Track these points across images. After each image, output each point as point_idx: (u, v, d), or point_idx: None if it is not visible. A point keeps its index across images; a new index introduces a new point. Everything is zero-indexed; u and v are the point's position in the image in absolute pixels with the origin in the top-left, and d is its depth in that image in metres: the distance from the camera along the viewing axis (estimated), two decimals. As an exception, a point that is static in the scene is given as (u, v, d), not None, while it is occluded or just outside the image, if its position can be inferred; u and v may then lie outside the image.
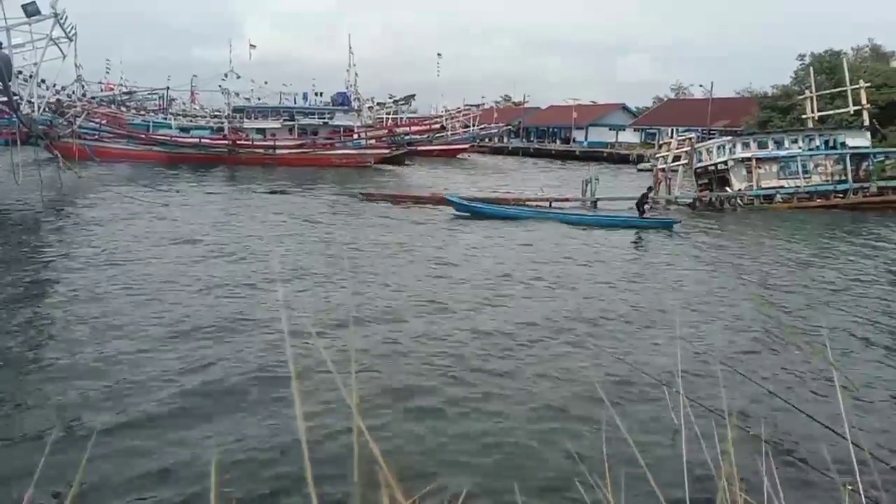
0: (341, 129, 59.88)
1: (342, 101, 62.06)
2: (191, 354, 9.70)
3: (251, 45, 66.40)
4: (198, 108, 71.78)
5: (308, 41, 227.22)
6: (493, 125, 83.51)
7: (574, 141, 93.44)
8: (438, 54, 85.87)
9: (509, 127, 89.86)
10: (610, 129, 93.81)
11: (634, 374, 9.12)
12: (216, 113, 65.22)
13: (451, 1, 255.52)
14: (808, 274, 18.13)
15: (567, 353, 10.57)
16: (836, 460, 4.37)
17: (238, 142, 56.69)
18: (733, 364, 9.76)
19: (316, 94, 64.19)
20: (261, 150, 56.34)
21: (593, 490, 2.01)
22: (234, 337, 10.56)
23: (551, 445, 7.22)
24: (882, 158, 36.12)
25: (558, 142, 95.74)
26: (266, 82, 64.68)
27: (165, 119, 59.95)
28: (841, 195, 34.03)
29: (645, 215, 26.69)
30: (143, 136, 55.37)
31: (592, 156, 75.82)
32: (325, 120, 60.35)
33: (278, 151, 56.16)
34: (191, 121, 62.11)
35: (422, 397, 8.61)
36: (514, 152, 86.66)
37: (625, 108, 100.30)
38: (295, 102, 63.59)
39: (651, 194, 29.17)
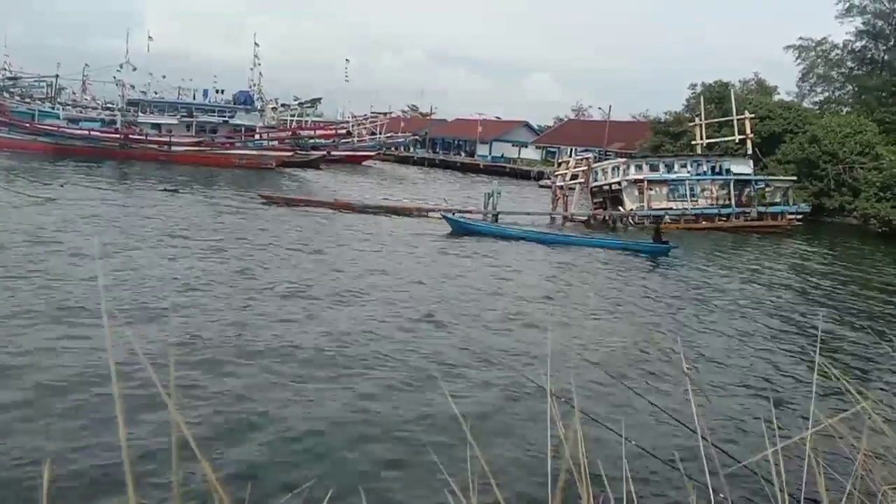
0: (242, 129, 58.22)
1: (244, 101, 60.35)
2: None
3: (150, 36, 63.57)
4: (89, 98, 67.94)
5: (212, 37, 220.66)
6: (399, 134, 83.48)
7: (478, 155, 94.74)
8: (347, 60, 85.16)
9: (416, 137, 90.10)
10: (513, 145, 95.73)
11: (524, 384, 9.26)
12: (109, 105, 62.05)
13: (361, 9, 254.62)
14: (686, 290, 19.03)
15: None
16: (688, 457, 4.64)
17: (131, 136, 54.23)
18: (610, 371, 10.08)
19: (217, 92, 62.03)
20: (155, 146, 53.99)
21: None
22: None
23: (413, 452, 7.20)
24: (763, 185, 38.56)
25: (463, 154, 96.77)
26: (164, 76, 61.99)
27: (53, 108, 56.59)
28: (725, 218, 36.07)
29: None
30: (27, 125, 52.26)
31: (495, 170, 77.09)
32: (226, 118, 58.56)
33: (174, 148, 53.97)
34: (81, 112, 58.90)
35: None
36: (419, 162, 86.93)
37: (528, 126, 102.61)
38: (194, 98, 61.23)
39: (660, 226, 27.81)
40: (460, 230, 26.87)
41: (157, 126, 56.32)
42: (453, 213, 29.48)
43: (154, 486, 5.76)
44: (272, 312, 12.64)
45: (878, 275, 25.80)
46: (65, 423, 7.35)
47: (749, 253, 28.48)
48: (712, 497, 1.90)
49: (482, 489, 1.81)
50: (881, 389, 10.34)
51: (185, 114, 58.12)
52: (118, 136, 53.97)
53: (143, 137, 54.46)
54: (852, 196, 44.46)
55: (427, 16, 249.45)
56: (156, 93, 61.11)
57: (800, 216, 38.32)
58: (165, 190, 32.70)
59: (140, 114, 57.38)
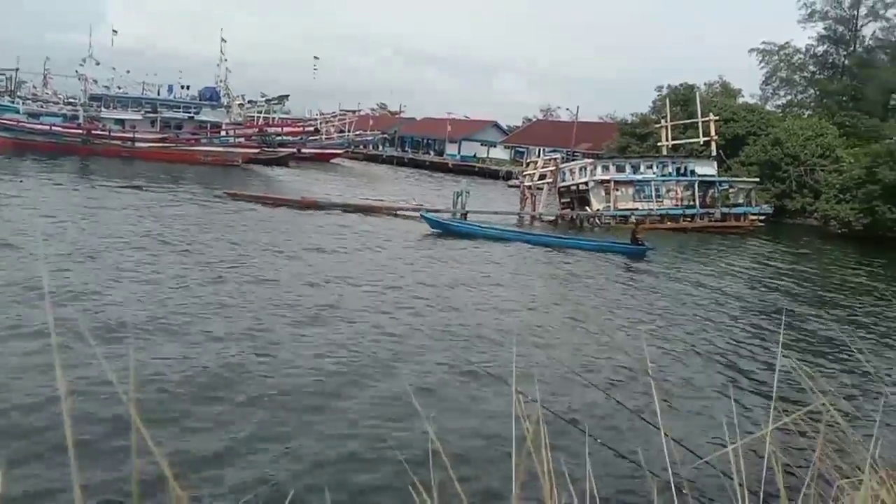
0: (208, 125, 57.47)
1: (210, 97, 59.54)
2: None
3: (113, 31, 62.45)
4: (51, 93, 66.54)
5: (178, 32, 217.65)
6: (368, 132, 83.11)
7: (447, 154, 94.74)
8: (316, 57, 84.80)
9: (385, 135, 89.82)
10: (482, 145, 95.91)
11: (490, 383, 9.27)
12: (71, 100, 60.88)
13: (331, 6, 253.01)
14: (647, 288, 19.24)
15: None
16: (652, 454, 4.70)
17: (93, 132, 53.13)
18: (572, 367, 10.15)
19: (182, 88, 61.19)
20: (118, 142, 52.99)
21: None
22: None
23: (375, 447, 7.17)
24: (726, 187, 39.16)
25: (432, 153, 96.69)
26: (128, 71, 61.07)
27: (13, 103, 55.27)
28: (689, 219, 36.57)
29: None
30: (-15, 119, 50.97)
31: (464, 169, 77.15)
32: (191, 114, 57.74)
33: (138, 144, 53.08)
34: (42, 106, 57.72)
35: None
36: (388, 161, 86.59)
37: (497, 126, 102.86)
38: (159, 94, 60.34)
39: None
40: (440, 230, 26.79)
41: (120, 122, 55.33)
42: (429, 212, 29.35)
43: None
44: (234, 310, 12.49)
45: (838, 274, 26.37)
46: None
47: (714, 253, 28.91)
48: (674, 493, 1.90)
49: (447, 487, 1.79)
50: (841, 384, 10.55)
51: (150, 109, 57.22)
52: (80, 131, 52.86)
53: (107, 133, 53.44)
54: (813, 198, 45.36)
55: (397, 14, 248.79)
56: (119, 88, 60.10)
57: (762, 217, 39.01)
58: (128, 187, 32.13)
59: (103, 109, 56.37)
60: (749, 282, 22.68)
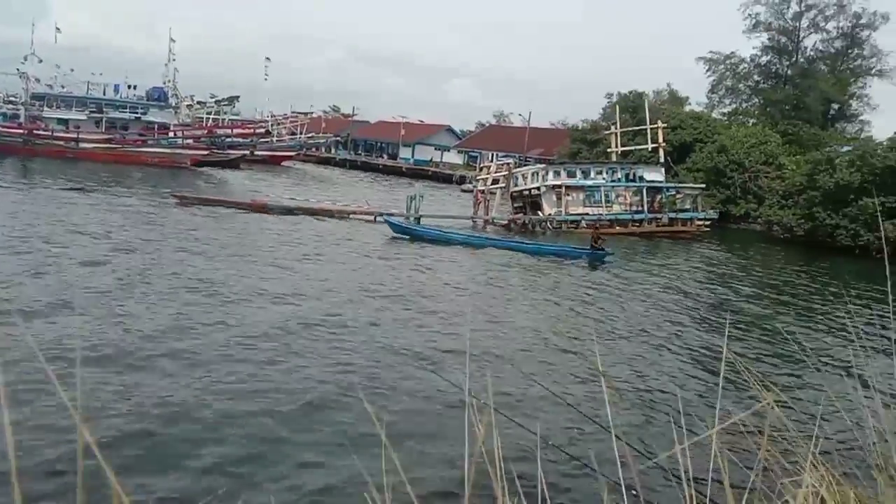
0: (155, 126, 56.32)
1: (158, 97, 58.43)
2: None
3: (57, 28, 60.70)
4: (-11, 91, 64.40)
5: (124, 30, 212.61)
6: (320, 135, 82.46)
7: (401, 157, 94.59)
8: (267, 58, 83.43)
9: (338, 138, 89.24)
10: (436, 149, 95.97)
11: (444, 388, 9.26)
12: (11, 98, 59.02)
13: (282, 6, 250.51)
14: (609, 293, 19.52)
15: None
16: (602, 455, 4.77)
17: (35, 132, 51.64)
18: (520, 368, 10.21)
19: (129, 87, 59.83)
20: (62, 143, 51.59)
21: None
22: None
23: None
24: (673, 192, 40.00)
25: (386, 157, 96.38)
26: (72, 69, 59.40)
27: (-52, 100, 53.43)
28: (637, 224, 37.23)
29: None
30: (-82, 117, 49.13)
31: (418, 173, 77.13)
32: (138, 115, 56.57)
33: (82, 145, 51.72)
34: (-21, 104, 55.91)
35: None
36: (341, 164, 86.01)
37: (450, 130, 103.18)
38: (104, 94, 58.88)
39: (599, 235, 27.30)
40: (403, 235, 26.64)
41: (63, 121, 53.93)
42: (392, 217, 29.20)
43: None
44: (177, 317, 12.22)
45: (780, 276, 27.15)
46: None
47: (662, 257, 29.50)
48: (624, 494, 1.91)
49: (399, 487, 1.77)
50: (785, 381, 10.86)
51: (95, 109, 55.89)
52: (21, 131, 51.38)
53: (49, 133, 52.03)
54: (757, 203, 46.63)
55: (350, 16, 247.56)
56: (63, 87, 58.49)
57: (708, 222, 39.94)
58: (71, 189, 31.22)
59: (46, 108, 54.91)
60: (696, 284, 23.17)
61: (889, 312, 2.73)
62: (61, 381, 1.70)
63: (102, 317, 11.58)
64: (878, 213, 36.79)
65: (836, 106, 66.89)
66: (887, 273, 3.31)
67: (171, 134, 56.44)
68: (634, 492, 1.91)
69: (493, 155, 73.69)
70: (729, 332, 14.72)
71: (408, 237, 26.42)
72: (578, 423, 7.85)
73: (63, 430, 6.77)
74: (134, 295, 13.33)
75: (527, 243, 28.02)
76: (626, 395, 10.07)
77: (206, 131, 59.96)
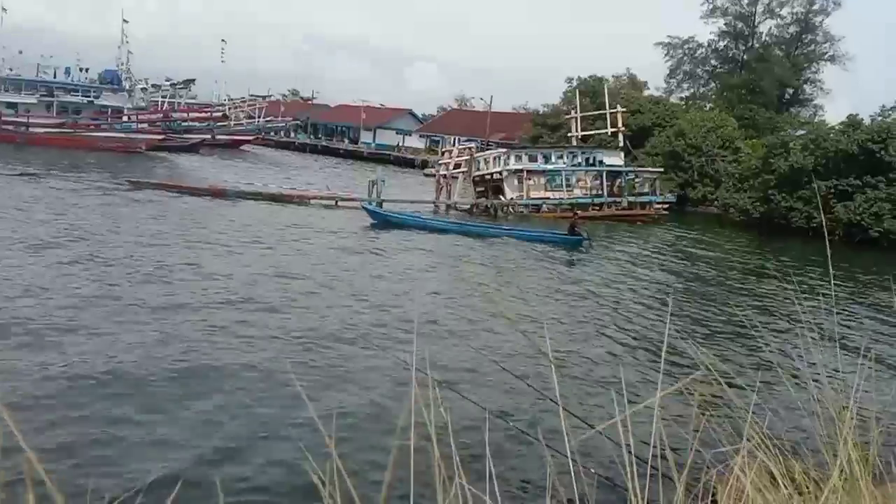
0: (109, 110, 54.97)
1: (111, 80, 57.01)
2: None
3: (3, 8, 58.61)
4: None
5: (76, 11, 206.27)
6: (279, 119, 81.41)
7: (362, 142, 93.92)
8: (223, 41, 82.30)
9: (297, 122, 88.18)
10: (397, 133, 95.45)
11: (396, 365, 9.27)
12: (-45, 81, 56.91)
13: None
14: (560, 274, 19.73)
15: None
16: (548, 426, 4.86)
17: (-18, 116, 50.03)
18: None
19: (81, 70, 58.20)
20: (11, 128, 50.09)
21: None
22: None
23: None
24: (632, 176, 40.45)
25: (346, 141, 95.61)
26: (21, 52, 57.46)
27: None
28: (598, 207, 37.58)
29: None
30: None
31: (380, 158, 76.72)
32: (91, 99, 55.15)
33: (33, 130, 50.27)
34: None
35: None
36: (300, 148, 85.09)
37: (412, 114, 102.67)
38: (55, 77, 57.20)
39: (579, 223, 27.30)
40: (382, 221, 26.50)
41: (12, 105, 52.39)
42: (371, 203, 29.07)
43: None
44: (128, 309, 11.99)
45: (735, 257, 27.74)
46: None
47: (620, 240, 29.84)
48: (569, 462, 1.93)
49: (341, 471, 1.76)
50: (729, 355, 11.19)
51: (45, 93, 54.35)
52: (-33, 115, 49.67)
53: (-3, 117, 50.40)
54: (714, 187, 47.43)
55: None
56: (11, 70, 56.56)
57: (666, 206, 40.50)
58: (21, 175, 30.34)
59: (-7, 92, 53.09)
60: (652, 265, 23.57)
61: (837, 290, 2.79)
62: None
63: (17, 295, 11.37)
64: (831, 196, 37.62)
65: (790, 91, 68.24)
66: (828, 253, 3.40)
67: (125, 118, 55.20)
68: (577, 460, 1.92)
69: (455, 139, 73.67)
70: (679, 312, 15.04)
71: (386, 223, 26.36)
72: (524, 394, 8.02)
73: None
74: (76, 279, 13.05)
75: (505, 228, 28.13)
76: (571, 370, 10.23)
77: (161, 115, 58.72)
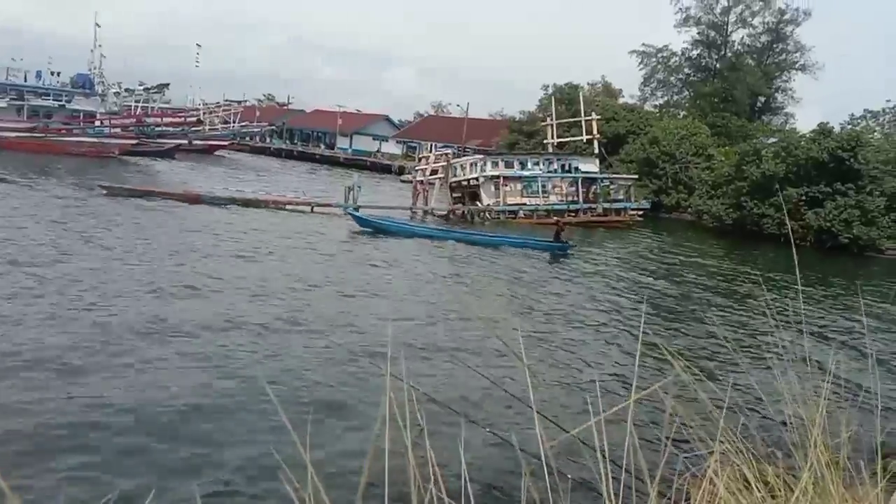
0: (81, 115, 54.20)
1: (83, 84, 56.15)
2: None
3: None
4: None
5: (47, 13, 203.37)
6: (255, 124, 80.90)
7: (339, 147, 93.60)
8: (198, 45, 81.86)
9: (273, 127, 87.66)
10: (374, 139, 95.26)
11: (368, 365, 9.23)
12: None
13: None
14: (534, 280, 19.80)
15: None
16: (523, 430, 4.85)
17: (-51, 119, 49.03)
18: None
19: (52, 74, 57.36)
20: (-22, 132, 49.12)
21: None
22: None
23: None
24: (607, 183, 40.82)
25: (323, 147, 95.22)
26: (-10, 54, 56.72)
27: None
28: (573, 214, 37.81)
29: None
30: None
31: (356, 163, 76.39)
32: (62, 103, 54.29)
33: (2, 134, 49.28)
34: None
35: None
36: (276, 153, 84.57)
37: (388, 120, 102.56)
38: (26, 80, 56.29)
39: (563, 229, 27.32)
40: (368, 228, 26.37)
41: (-20, 109, 51.30)
42: (356, 210, 28.98)
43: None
44: (100, 313, 11.83)
45: (708, 262, 28.01)
46: None
47: (596, 246, 30.05)
48: (544, 465, 1.94)
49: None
50: (701, 358, 11.31)
51: (15, 96, 53.38)
52: (-66, 119, 48.67)
53: (-36, 121, 49.44)
54: (687, 194, 47.97)
55: (285, 2, 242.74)
56: (-21, 73, 55.67)
57: (641, 212, 40.93)
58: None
59: (-40, 95, 52.11)
60: (628, 270, 23.77)
61: (806, 297, 2.83)
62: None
63: None
64: (802, 203, 38.22)
65: (762, 99, 69.36)
66: (795, 260, 3.46)
67: (97, 123, 54.39)
68: (552, 464, 1.93)
69: (431, 145, 73.66)
70: (653, 317, 15.16)
71: (371, 230, 26.22)
72: (500, 400, 8.04)
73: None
74: (41, 289, 12.79)
75: (492, 236, 28.13)
76: (546, 376, 10.25)
77: (134, 120, 58.01)
